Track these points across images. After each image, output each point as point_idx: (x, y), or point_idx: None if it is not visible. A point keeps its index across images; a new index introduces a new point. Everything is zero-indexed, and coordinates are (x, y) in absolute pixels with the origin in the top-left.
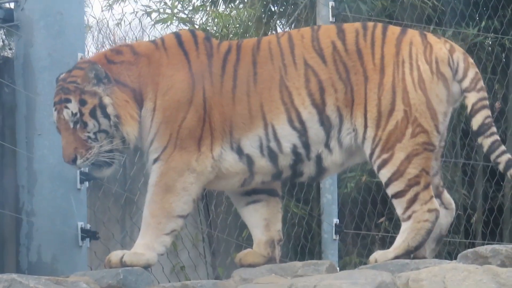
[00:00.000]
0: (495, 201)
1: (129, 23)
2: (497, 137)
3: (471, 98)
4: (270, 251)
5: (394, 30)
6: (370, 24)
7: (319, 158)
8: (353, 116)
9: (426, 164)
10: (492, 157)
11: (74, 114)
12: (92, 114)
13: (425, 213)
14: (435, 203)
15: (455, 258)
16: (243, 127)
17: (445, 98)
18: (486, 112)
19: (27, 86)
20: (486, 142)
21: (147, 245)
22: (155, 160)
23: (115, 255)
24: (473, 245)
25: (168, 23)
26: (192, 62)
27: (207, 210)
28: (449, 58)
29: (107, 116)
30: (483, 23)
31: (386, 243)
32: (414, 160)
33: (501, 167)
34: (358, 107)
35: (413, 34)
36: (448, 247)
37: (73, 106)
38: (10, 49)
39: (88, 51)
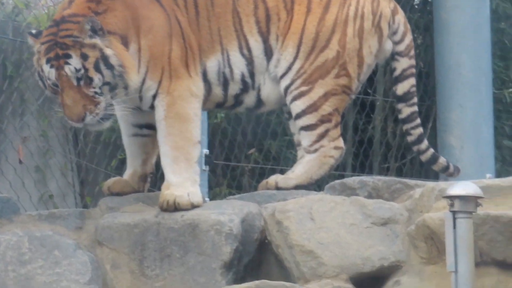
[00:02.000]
0: (365, 133)
1: None
2: (416, 108)
3: (403, 63)
4: (142, 185)
5: None
6: None
7: (259, 89)
8: (284, 46)
9: (340, 105)
10: (406, 126)
11: (77, 70)
12: (96, 67)
13: (332, 149)
14: (342, 142)
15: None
16: (207, 50)
17: (374, 52)
18: (413, 80)
19: None
20: (406, 110)
21: (191, 180)
22: (154, 96)
23: (172, 197)
24: (342, 177)
25: None
26: (161, 0)
27: (75, 139)
28: (390, 17)
29: (110, 67)
30: None
31: (256, 174)
32: (331, 99)
33: (411, 138)
34: (292, 37)
35: None
36: None
37: (75, 62)
38: None
39: None
